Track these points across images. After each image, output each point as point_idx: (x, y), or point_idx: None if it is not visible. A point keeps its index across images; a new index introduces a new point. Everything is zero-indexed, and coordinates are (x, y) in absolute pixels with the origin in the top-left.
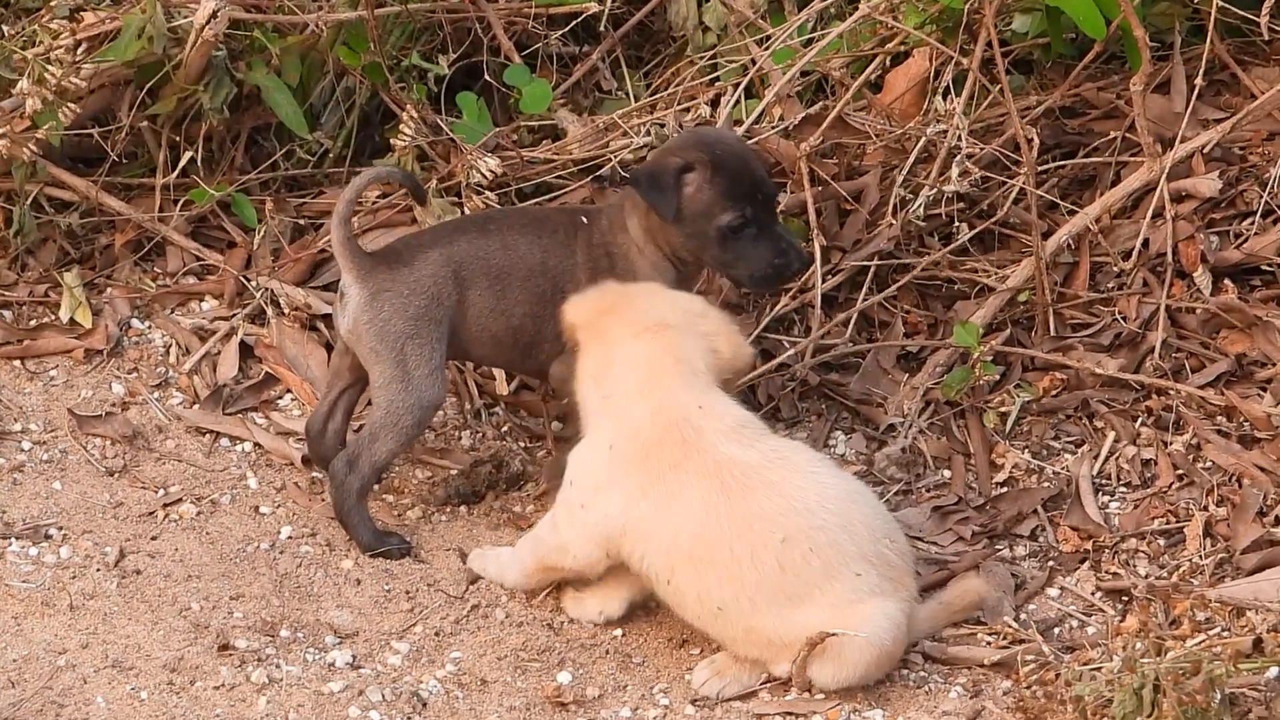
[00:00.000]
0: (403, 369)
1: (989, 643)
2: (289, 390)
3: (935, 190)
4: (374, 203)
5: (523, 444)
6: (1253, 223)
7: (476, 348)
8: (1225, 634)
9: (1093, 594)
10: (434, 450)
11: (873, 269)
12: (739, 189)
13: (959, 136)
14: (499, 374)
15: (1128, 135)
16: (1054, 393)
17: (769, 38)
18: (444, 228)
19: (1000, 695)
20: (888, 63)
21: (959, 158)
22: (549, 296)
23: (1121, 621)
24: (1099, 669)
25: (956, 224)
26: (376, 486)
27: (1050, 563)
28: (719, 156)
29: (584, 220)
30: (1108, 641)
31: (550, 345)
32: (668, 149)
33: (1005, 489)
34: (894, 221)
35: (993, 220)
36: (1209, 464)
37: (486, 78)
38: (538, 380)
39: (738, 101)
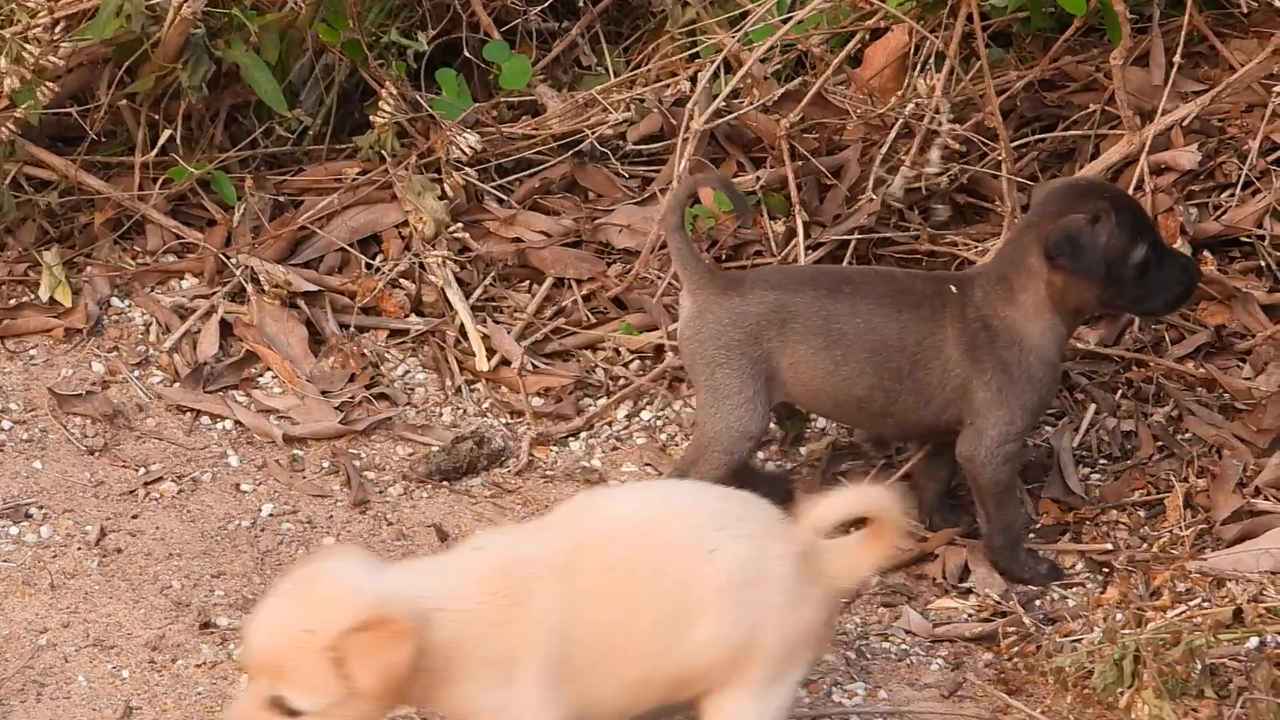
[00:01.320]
0: (714, 393)
1: (970, 616)
2: (269, 368)
3: (916, 171)
4: (354, 179)
5: (504, 420)
6: (1232, 194)
7: (807, 400)
8: (1205, 605)
9: (1073, 566)
10: (414, 426)
11: (853, 244)
12: (1140, 222)
13: (938, 118)
14: (479, 349)
15: (1107, 108)
16: None
17: (747, 13)
18: (796, 274)
19: (982, 667)
20: (867, 38)
21: (939, 140)
22: (906, 372)
23: (1102, 593)
24: (1079, 641)
25: (934, 199)
26: (358, 464)
27: (1031, 535)
28: (1114, 197)
29: (953, 290)
30: (1088, 613)
31: (902, 418)
32: (1051, 211)
33: None
34: (874, 197)
35: (967, 193)
36: (1189, 435)
37: (466, 54)
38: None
39: (716, 77)
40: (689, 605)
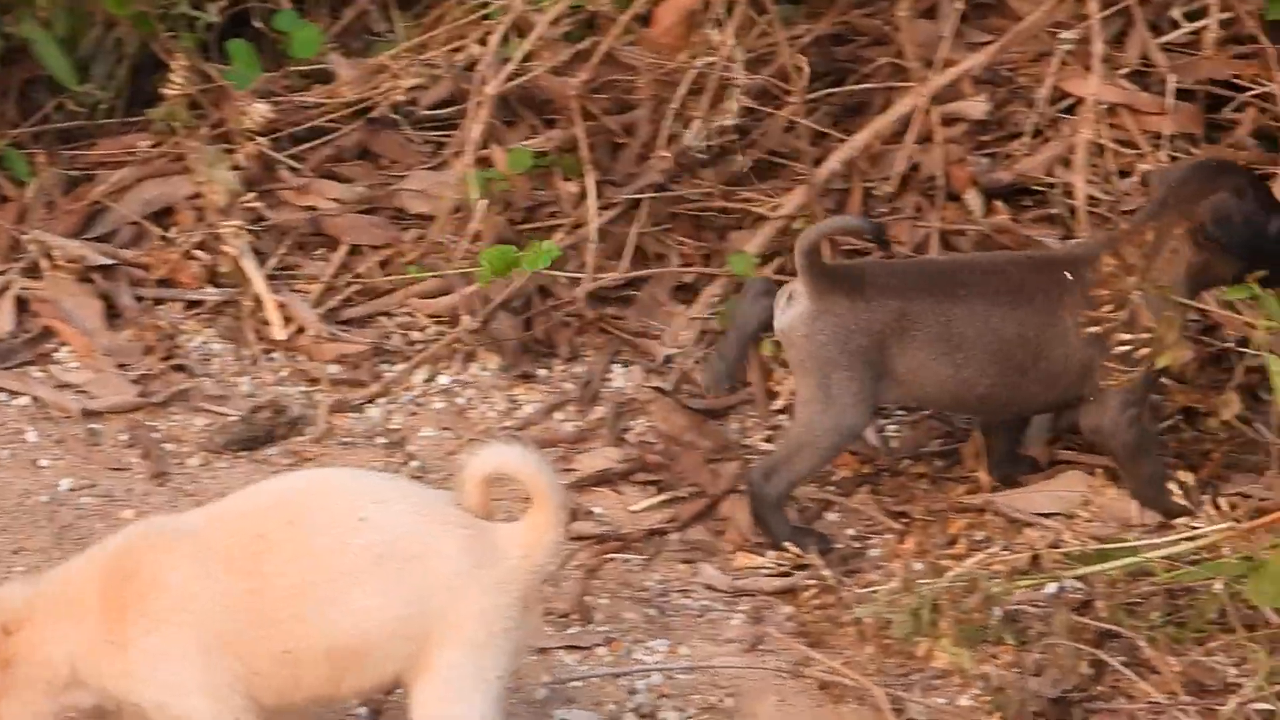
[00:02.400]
0: (826, 392)
1: (770, 570)
2: (66, 343)
3: (711, 123)
4: (147, 152)
5: (302, 388)
6: (1022, 143)
7: (925, 399)
8: (1003, 552)
9: (870, 519)
10: (212, 397)
11: (646, 202)
12: (1270, 194)
13: (733, 67)
14: (275, 318)
15: (896, 61)
16: None
17: None
18: (915, 274)
19: (782, 621)
20: None
21: (731, 90)
22: (1029, 365)
23: (900, 543)
24: (879, 592)
25: (726, 155)
26: (156, 435)
27: (829, 487)
28: (1246, 173)
29: (1069, 277)
30: (887, 564)
31: (1024, 404)
32: (1189, 193)
33: (784, 416)
34: (666, 154)
35: (760, 149)
36: None
37: (256, 24)
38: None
39: (506, 40)
40: (337, 573)
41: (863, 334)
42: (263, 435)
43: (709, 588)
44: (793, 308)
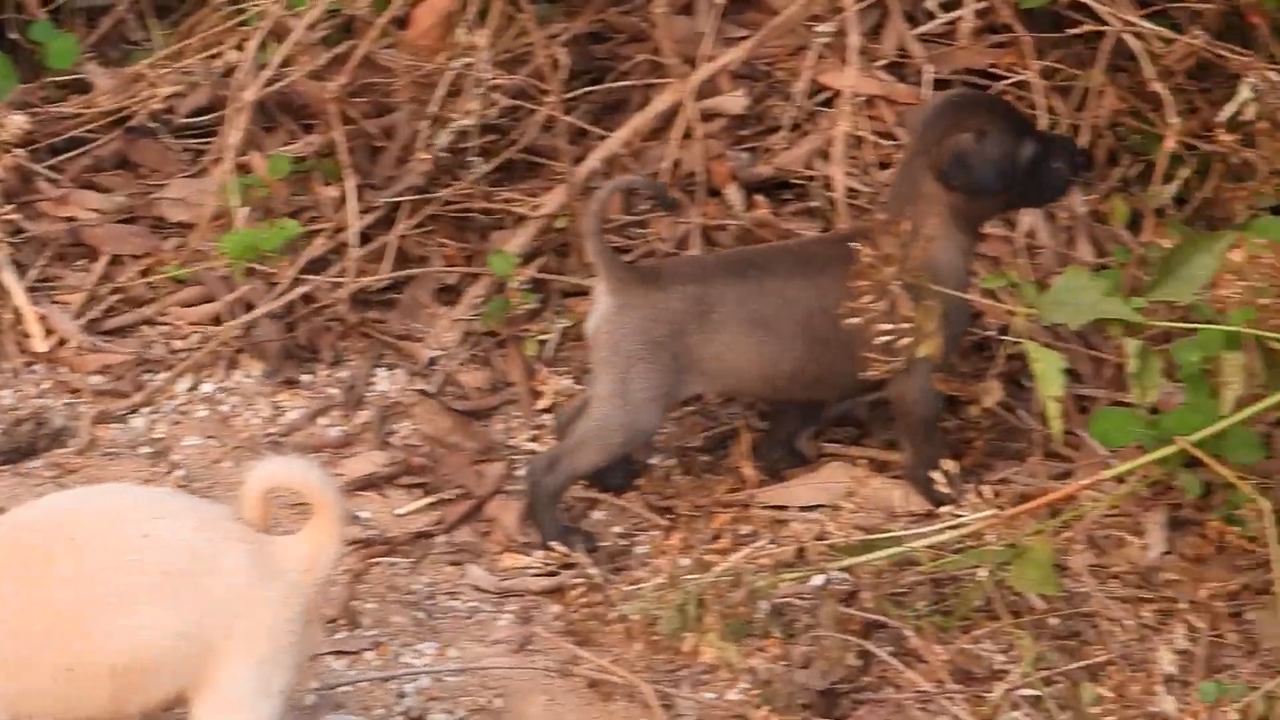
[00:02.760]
0: (624, 388)
1: (537, 570)
2: None
3: (461, 123)
4: None
5: (64, 400)
6: (781, 138)
7: (735, 385)
8: (769, 546)
9: (636, 516)
10: None
11: (407, 204)
12: (1019, 120)
13: (483, 68)
14: (36, 330)
15: (654, 58)
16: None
17: None
18: (710, 262)
19: (551, 620)
20: None
21: (481, 89)
22: (830, 336)
23: (666, 539)
24: (644, 588)
25: (483, 156)
26: None
27: (593, 487)
28: (989, 104)
29: (857, 246)
30: (653, 560)
31: (835, 380)
32: (933, 136)
33: (549, 416)
34: (425, 156)
35: (519, 148)
36: None
37: (12, 34)
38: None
39: (263, 45)
40: (121, 590)
41: (663, 324)
42: (25, 448)
43: (476, 589)
44: (596, 310)
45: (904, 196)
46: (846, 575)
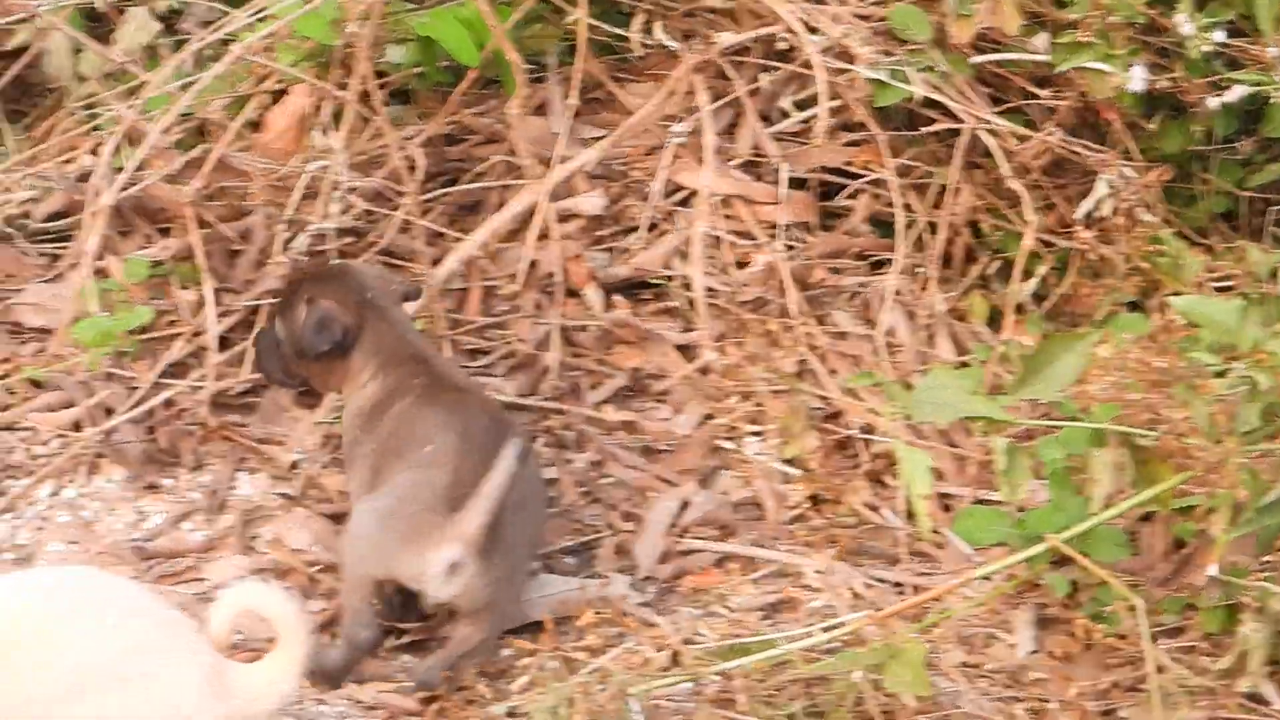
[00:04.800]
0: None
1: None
2: None
3: (319, 226)
4: None
5: None
6: (639, 237)
7: None
8: (638, 648)
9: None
10: None
11: (265, 308)
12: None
13: (339, 171)
14: None
15: (509, 159)
16: None
17: (144, 84)
18: None
19: None
20: (268, 101)
21: (338, 193)
22: None
23: (534, 642)
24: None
25: (341, 259)
26: None
27: None
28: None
29: None
30: (521, 663)
31: None
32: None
33: None
34: (282, 259)
35: (377, 250)
36: (613, 480)
37: None
38: None
39: (118, 150)
40: (75, 687)
41: None
42: None
43: (348, 699)
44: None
45: None
46: (719, 678)
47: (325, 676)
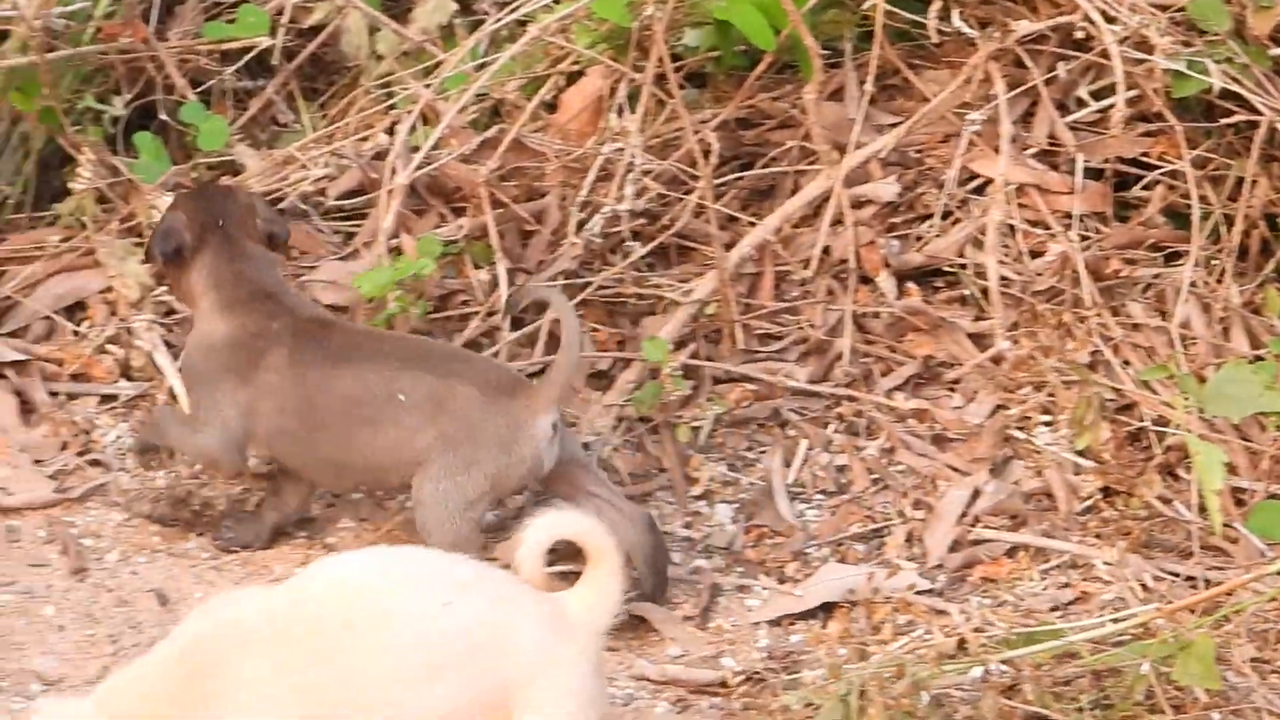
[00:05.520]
0: None
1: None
2: None
3: (612, 209)
4: (56, 246)
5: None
6: (932, 225)
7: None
8: (928, 636)
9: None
10: (128, 491)
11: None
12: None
13: (634, 154)
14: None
15: (804, 144)
16: (745, 404)
17: (440, 64)
18: None
19: (708, 709)
20: (563, 83)
21: (633, 175)
22: None
23: (824, 629)
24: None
25: (633, 241)
26: (74, 531)
27: (738, 567)
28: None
29: None
30: (812, 650)
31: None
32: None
33: (703, 502)
34: (576, 240)
35: (671, 233)
36: (903, 467)
37: (163, 116)
38: None
39: (414, 129)
40: (422, 663)
41: None
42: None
43: (636, 677)
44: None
45: None
46: (1007, 668)
47: None
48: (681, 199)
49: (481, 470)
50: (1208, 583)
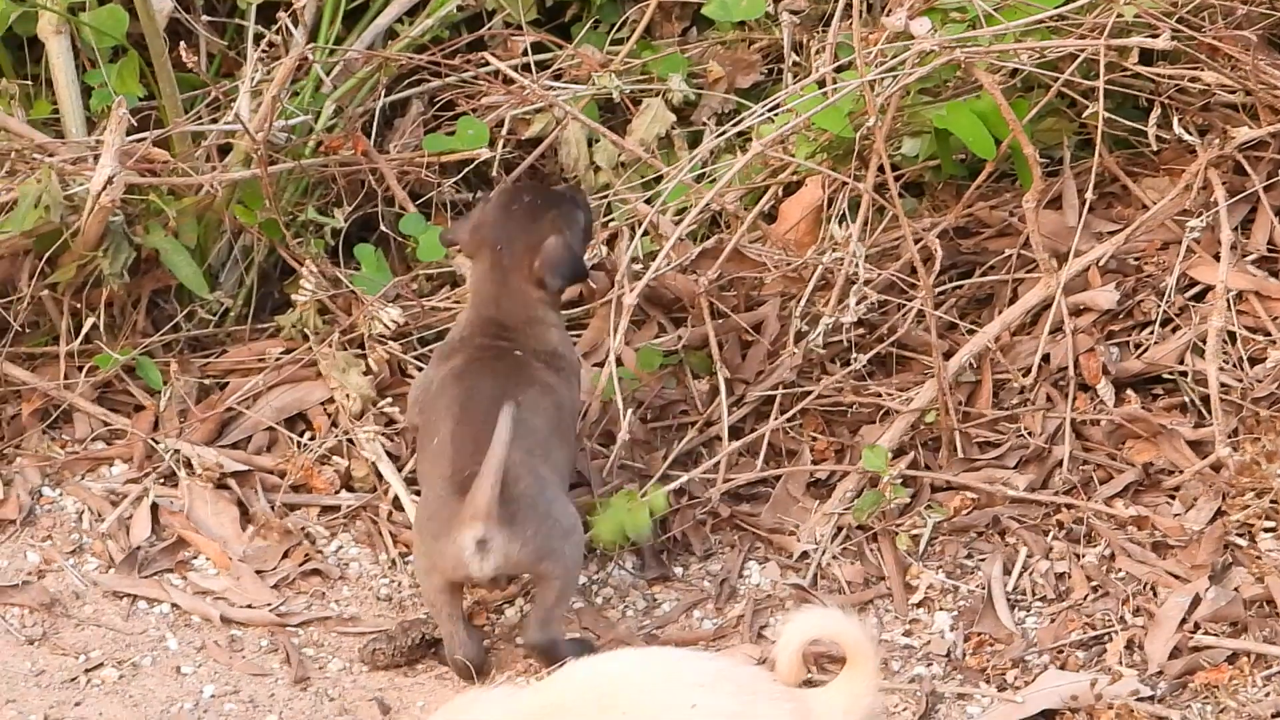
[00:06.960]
0: None
1: None
2: (200, 552)
3: (833, 319)
4: (278, 358)
5: None
6: (1152, 332)
7: None
8: None
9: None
10: (347, 617)
11: (778, 399)
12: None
13: (856, 264)
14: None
15: (1023, 252)
16: (965, 512)
17: (661, 177)
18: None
19: None
20: (780, 192)
21: (856, 286)
22: None
23: None
24: None
25: (855, 351)
26: (296, 641)
27: (958, 675)
28: (557, 201)
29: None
30: None
31: None
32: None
33: (922, 610)
34: (795, 350)
35: (890, 342)
36: (1123, 574)
37: (383, 228)
38: None
39: (634, 240)
40: None
41: None
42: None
43: None
44: None
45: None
46: None
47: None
48: (901, 305)
49: (424, 552)
50: None
